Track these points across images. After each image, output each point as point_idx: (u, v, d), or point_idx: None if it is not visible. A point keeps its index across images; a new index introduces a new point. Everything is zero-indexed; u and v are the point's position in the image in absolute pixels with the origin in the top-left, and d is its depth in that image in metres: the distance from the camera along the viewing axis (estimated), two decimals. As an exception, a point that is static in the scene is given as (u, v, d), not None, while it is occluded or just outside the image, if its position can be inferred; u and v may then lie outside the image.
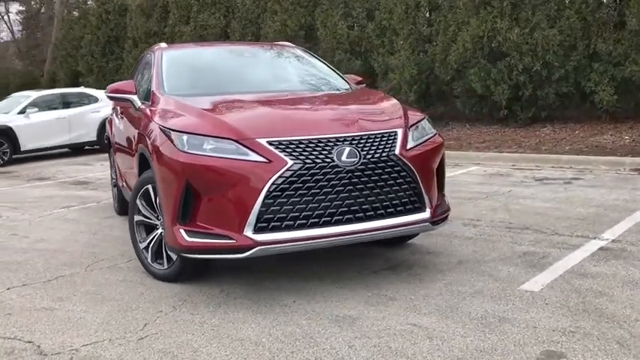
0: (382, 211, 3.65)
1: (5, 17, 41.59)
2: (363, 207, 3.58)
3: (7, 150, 12.68)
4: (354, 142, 3.60)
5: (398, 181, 3.68)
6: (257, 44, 6.62)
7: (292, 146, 3.49)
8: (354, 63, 13.69)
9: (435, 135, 4.17)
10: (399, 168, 3.68)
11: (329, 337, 3.08)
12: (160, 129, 3.78)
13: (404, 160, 3.70)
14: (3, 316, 3.58)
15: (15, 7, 39.75)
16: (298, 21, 14.69)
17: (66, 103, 14.13)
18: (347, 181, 3.51)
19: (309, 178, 3.44)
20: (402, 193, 3.71)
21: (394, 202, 3.68)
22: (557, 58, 10.72)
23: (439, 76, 12.48)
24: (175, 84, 4.58)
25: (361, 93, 4.74)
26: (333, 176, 3.48)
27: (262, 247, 3.42)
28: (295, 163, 3.43)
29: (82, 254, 4.96)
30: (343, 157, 3.52)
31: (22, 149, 12.88)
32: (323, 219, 3.49)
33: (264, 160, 3.43)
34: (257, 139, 3.49)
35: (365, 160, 3.57)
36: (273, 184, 3.39)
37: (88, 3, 20.93)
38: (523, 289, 3.65)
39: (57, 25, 22.71)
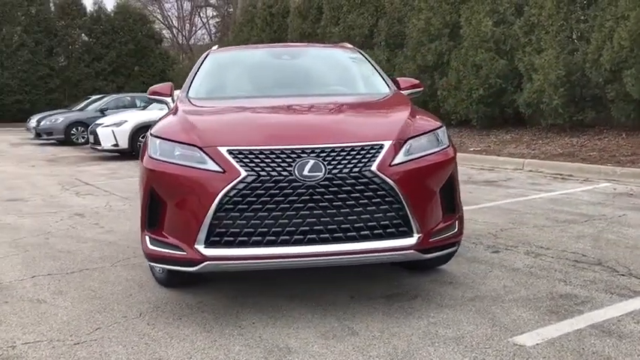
0: (354, 234, 3.22)
1: (206, 23, 45.99)
2: (329, 227, 3.19)
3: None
4: (322, 154, 3.22)
5: (374, 200, 3.22)
6: (310, 46, 6.36)
7: (251, 156, 3.22)
8: (498, 63, 12.72)
9: (444, 148, 3.59)
10: (374, 186, 3.22)
11: (244, 369, 2.80)
12: (149, 133, 3.75)
13: (383, 176, 3.22)
14: (-2, 303, 3.83)
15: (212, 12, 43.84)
16: (443, 19, 14.03)
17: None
18: (307, 197, 3.15)
19: (263, 191, 3.14)
20: (380, 215, 3.24)
21: (369, 224, 3.23)
22: None
23: (591, 78, 11.05)
24: (201, 88, 4.53)
25: (385, 100, 4.26)
26: (291, 191, 3.14)
27: (211, 262, 3.20)
28: (249, 175, 3.16)
29: (126, 249, 5.16)
30: (305, 171, 3.16)
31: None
32: (281, 237, 3.17)
33: (220, 169, 3.22)
34: (218, 147, 3.28)
35: (330, 176, 3.17)
36: (225, 195, 3.16)
37: (256, 7, 22.06)
38: (513, 342, 3.00)
39: (231, 28, 24.38)
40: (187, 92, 4.49)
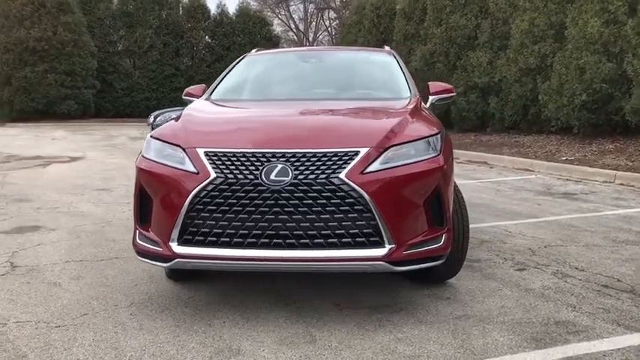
0: (321, 241, 3.17)
1: (329, 27, 46.88)
2: (295, 233, 3.17)
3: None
4: (292, 159, 3.19)
5: (342, 208, 3.14)
6: (343, 49, 6.24)
7: (224, 158, 3.26)
8: (604, 66, 11.72)
9: (433, 157, 3.39)
10: (342, 194, 3.14)
11: (183, 366, 2.86)
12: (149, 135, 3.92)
13: (352, 184, 3.13)
14: (20, 283, 4.18)
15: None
16: (548, 19, 13.23)
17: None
18: (272, 202, 3.15)
19: (230, 194, 3.18)
20: (348, 223, 3.16)
21: (337, 231, 3.16)
22: None
23: None
24: (225, 89, 4.66)
25: (387, 105, 4.10)
26: (256, 195, 3.15)
27: (181, 260, 3.30)
28: (218, 177, 3.21)
29: (162, 241, 5.42)
30: (272, 176, 3.16)
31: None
32: (247, 240, 3.20)
33: (195, 170, 3.30)
34: (197, 149, 3.37)
35: (296, 181, 3.14)
36: (195, 196, 3.23)
37: (365, 8, 22.04)
38: (469, 368, 2.80)
39: (341, 30, 24.60)
40: (210, 94, 4.64)
